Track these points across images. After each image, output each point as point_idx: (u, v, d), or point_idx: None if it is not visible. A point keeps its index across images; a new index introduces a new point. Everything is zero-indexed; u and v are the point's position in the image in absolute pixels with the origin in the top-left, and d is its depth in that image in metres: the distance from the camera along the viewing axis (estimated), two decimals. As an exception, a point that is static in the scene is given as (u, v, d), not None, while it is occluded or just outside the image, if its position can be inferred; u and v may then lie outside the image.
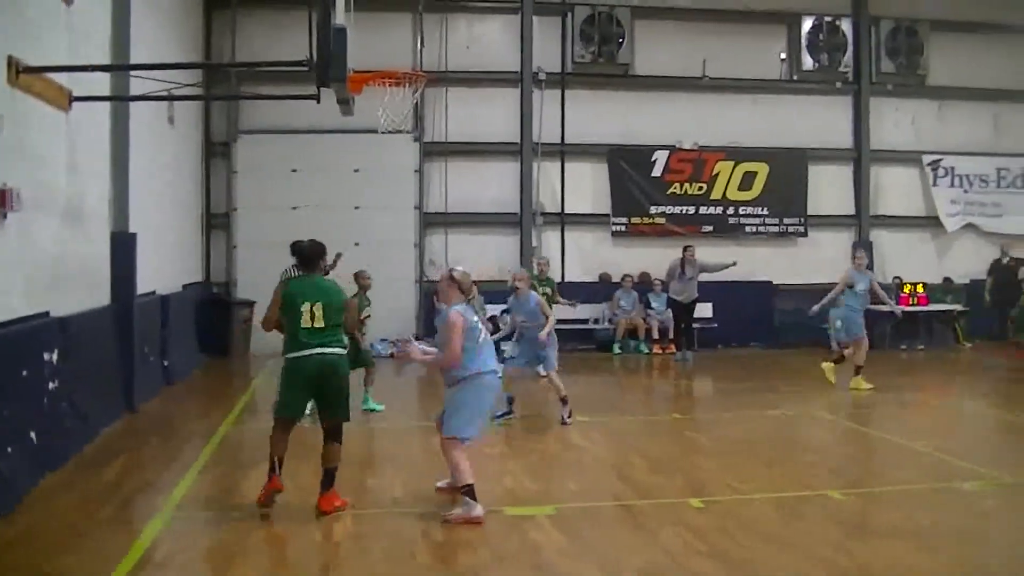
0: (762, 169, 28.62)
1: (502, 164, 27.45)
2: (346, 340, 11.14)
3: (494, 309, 22.12)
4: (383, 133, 15.76)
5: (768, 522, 10.21)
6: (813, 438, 15.60)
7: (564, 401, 15.93)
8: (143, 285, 17.58)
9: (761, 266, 28.32)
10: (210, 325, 24.40)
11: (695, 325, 26.00)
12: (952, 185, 29.98)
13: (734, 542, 9.42)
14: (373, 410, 17.04)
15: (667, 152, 28.15)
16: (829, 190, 29.35)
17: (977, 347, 28.03)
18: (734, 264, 25.30)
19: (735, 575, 8.60)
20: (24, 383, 11.78)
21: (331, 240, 22.13)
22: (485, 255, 26.64)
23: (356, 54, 12.82)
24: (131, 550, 9.03)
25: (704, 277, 25.48)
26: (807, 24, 28.62)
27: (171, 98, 16.56)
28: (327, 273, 12.77)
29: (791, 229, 28.99)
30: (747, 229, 28.66)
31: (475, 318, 10.72)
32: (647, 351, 26.42)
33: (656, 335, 26.68)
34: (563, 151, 27.80)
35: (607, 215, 27.94)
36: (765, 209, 28.71)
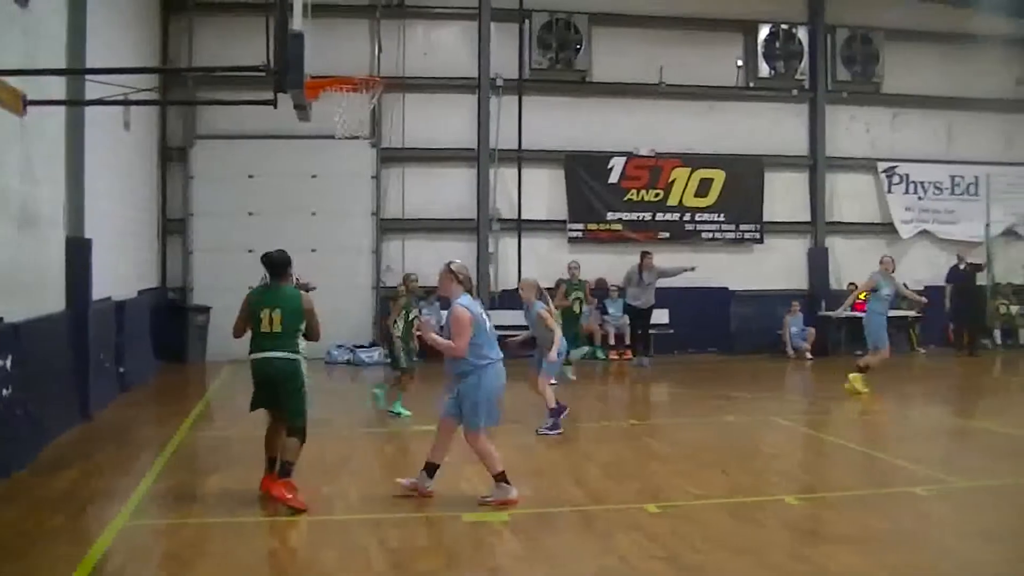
0: (718, 176, 28.73)
1: (459, 170, 27.49)
2: (301, 345, 11.26)
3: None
4: (340, 139, 15.77)
5: (723, 527, 10.24)
6: (768, 444, 15.65)
7: (551, 413, 15.90)
8: (98, 291, 17.47)
9: (717, 272, 28.42)
10: (166, 331, 24.29)
11: (652, 331, 26.09)
12: (907, 192, 30.20)
13: (689, 547, 9.44)
14: (398, 414, 17.12)
15: (624, 159, 28.24)
16: (785, 197, 29.52)
17: (931, 353, 28.24)
18: (693, 269, 25.35)
19: (689, 581, 8.65)
20: (-23, 389, 11.70)
21: (288, 246, 22.16)
22: (442, 261, 26.52)
23: (313, 60, 12.81)
24: (84, 559, 8.96)
25: (661, 283, 25.56)
26: (763, 32, 28.80)
27: (127, 103, 16.44)
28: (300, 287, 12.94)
29: (747, 236, 29.12)
30: (703, 236, 28.76)
31: (480, 310, 11.17)
32: (603, 357, 26.50)
33: (612, 341, 26.77)
34: (520, 157, 27.82)
35: (564, 221, 28.00)
36: (721, 216, 28.83)
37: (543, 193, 28.14)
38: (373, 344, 25.95)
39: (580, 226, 28.04)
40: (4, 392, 12.62)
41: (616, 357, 26.46)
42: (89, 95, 16.17)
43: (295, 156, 25.80)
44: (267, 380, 11.17)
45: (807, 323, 28.17)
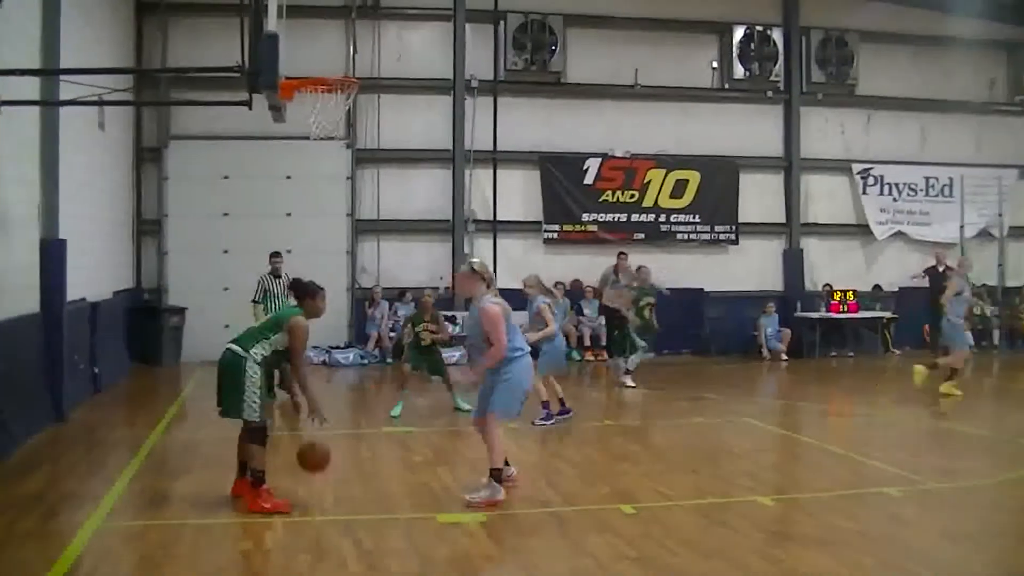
0: (693, 177, 28.81)
1: (434, 171, 27.49)
2: (261, 350, 11.02)
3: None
4: (315, 140, 15.72)
5: (695, 528, 10.25)
6: (741, 445, 15.66)
7: (545, 405, 16.02)
8: (72, 292, 17.42)
9: (692, 273, 28.50)
10: (141, 332, 24.24)
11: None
12: (881, 194, 30.34)
13: (661, 548, 9.45)
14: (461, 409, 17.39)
15: (599, 160, 28.29)
16: (760, 198, 29.61)
17: (905, 354, 28.33)
18: (668, 293, 25.18)
19: (662, 582, 8.67)
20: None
21: (262, 247, 22.19)
22: (417, 262, 26.73)
23: (288, 60, 12.79)
24: (56, 562, 8.93)
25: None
26: (738, 33, 28.85)
27: (101, 103, 16.38)
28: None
29: (722, 237, 29.20)
30: (678, 237, 28.84)
31: (505, 304, 11.24)
32: (579, 358, 26.53)
33: (588, 342, 26.80)
34: (495, 158, 27.84)
35: (539, 223, 28.04)
36: (696, 217, 28.90)
37: (518, 194, 28.16)
38: (349, 345, 25.96)
39: (555, 227, 28.08)
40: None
41: (592, 358, 26.49)
42: (63, 96, 16.12)
43: (270, 157, 25.73)
44: (218, 372, 11.13)
45: (782, 324, 28.25)
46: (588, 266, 26.85)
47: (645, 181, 28.55)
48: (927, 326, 28.63)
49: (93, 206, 20.78)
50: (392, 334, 25.66)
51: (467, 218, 27.28)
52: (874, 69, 29.74)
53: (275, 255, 19.80)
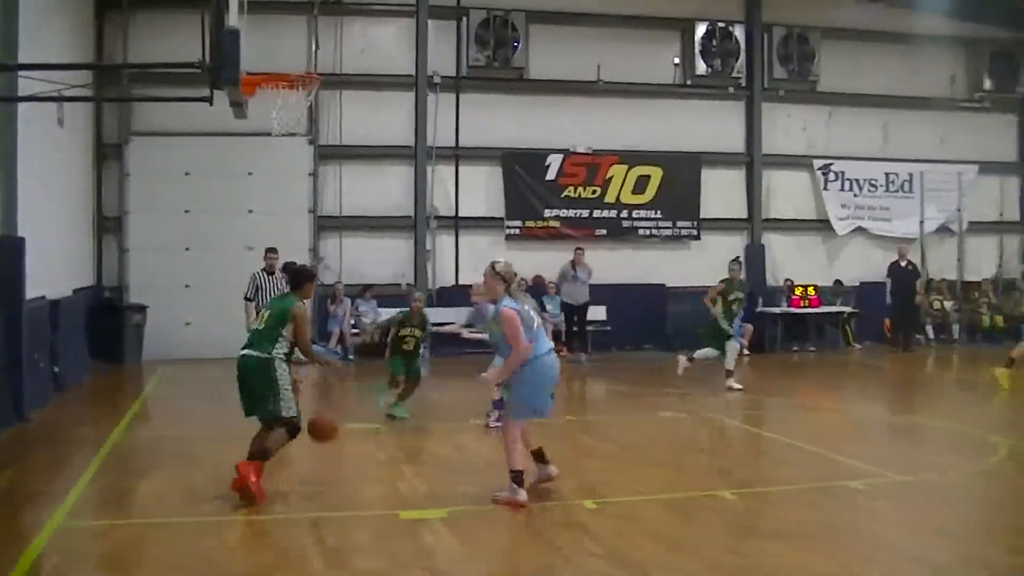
0: (656, 173, 28.84)
1: (397, 167, 27.43)
2: (280, 347, 11.48)
3: (388, 312, 21.88)
4: (277, 136, 15.68)
5: (661, 523, 10.27)
6: (705, 440, 15.73)
7: (496, 405, 15.81)
8: (32, 290, 17.29)
9: (654, 269, 28.58)
10: (102, 331, 24.02)
11: (589, 328, 26.19)
12: (842, 189, 30.48)
13: (627, 543, 9.45)
14: (395, 417, 16.59)
15: (561, 156, 28.29)
16: (722, 194, 29.70)
17: (866, 348, 28.48)
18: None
19: (627, 576, 8.67)
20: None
21: (225, 244, 22.12)
22: (379, 259, 26.66)
23: (250, 56, 12.76)
24: (18, 562, 8.87)
25: (596, 280, 25.70)
26: (700, 30, 28.89)
27: (61, 99, 16.32)
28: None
29: (684, 232, 29.25)
30: (640, 232, 28.86)
31: (526, 307, 11.36)
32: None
33: (550, 338, 26.77)
34: (457, 155, 27.83)
35: (501, 218, 28.02)
36: (658, 212, 28.94)
37: (480, 190, 28.13)
38: (313, 342, 25.82)
39: (517, 223, 28.06)
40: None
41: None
42: (21, 91, 16.02)
43: (232, 153, 25.63)
44: (239, 377, 11.42)
45: (744, 319, 28.25)
46: (550, 262, 26.89)
47: (607, 177, 28.56)
48: (887, 320, 28.86)
49: (53, 203, 20.62)
50: (355, 331, 25.59)
51: (430, 214, 27.22)
52: (835, 66, 29.85)
53: (271, 251, 19.34)
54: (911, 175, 30.85)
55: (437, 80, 27.37)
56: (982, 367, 22.96)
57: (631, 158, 28.75)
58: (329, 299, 26.16)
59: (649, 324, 28.26)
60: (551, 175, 28.26)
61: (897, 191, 30.92)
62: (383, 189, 27.35)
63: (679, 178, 29.07)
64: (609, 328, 27.49)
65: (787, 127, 30.31)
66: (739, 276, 21.54)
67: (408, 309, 17.21)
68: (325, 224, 26.93)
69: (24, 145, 16.84)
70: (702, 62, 28.90)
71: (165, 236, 25.45)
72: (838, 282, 29.80)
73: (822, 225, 30.52)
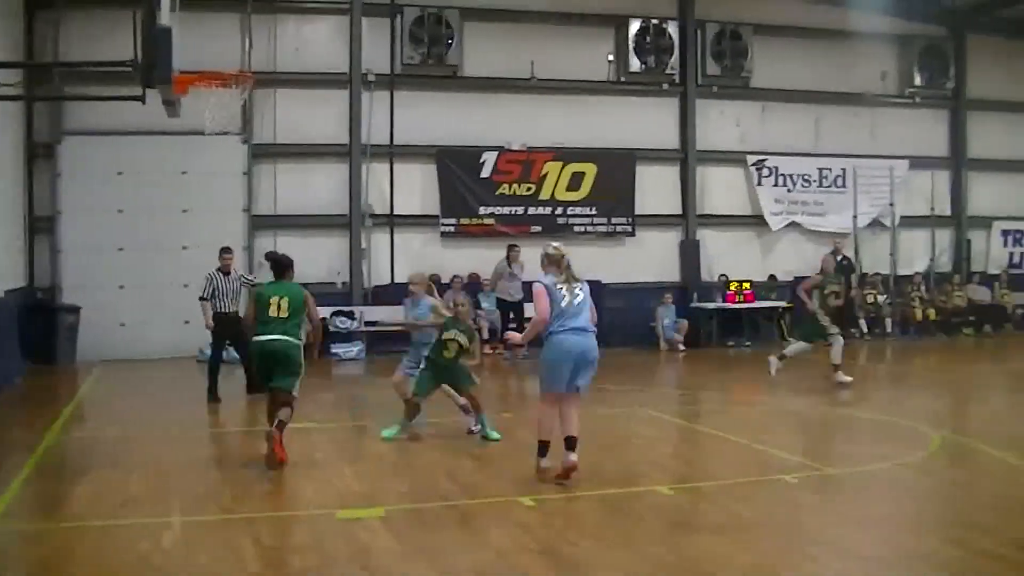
0: (590, 170, 28.91)
1: (331, 166, 27.38)
2: (302, 333, 13.14)
3: (324, 311, 21.82)
4: (210, 135, 15.64)
5: (597, 519, 10.32)
6: (641, 435, 15.76)
7: (465, 410, 15.43)
8: (-38, 291, 17.15)
9: (590, 266, 28.39)
10: (34, 332, 23.78)
11: (526, 325, 26.19)
12: (776, 185, 30.68)
13: (564, 540, 9.49)
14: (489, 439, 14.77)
15: (496, 153, 28.31)
16: (657, 190, 29.81)
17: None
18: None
19: (564, 572, 8.66)
20: None
21: (159, 244, 21.99)
22: (314, 257, 26.53)
23: (182, 55, 12.72)
24: (-49, 566, 8.84)
25: (531, 277, 25.75)
26: (634, 26, 29.00)
27: (-10, 99, 16.22)
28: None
29: (619, 229, 29.35)
30: (576, 229, 28.89)
31: (560, 285, 11.90)
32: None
33: (486, 335, 26.77)
34: (392, 153, 27.78)
35: (436, 216, 27.99)
36: (593, 209, 29.01)
37: (415, 188, 28.10)
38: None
39: (452, 221, 28.04)
40: None
41: (490, 351, 26.45)
42: (-51, 91, 15.88)
43: (165, 152, 25.44)
44: (270, 357, 12.89)
45: (679, 315, 28.46)
46: (486, 259, 26.91)
47: (542, 174, 28.61)
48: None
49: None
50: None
51: (365, 212, 27.17)
52: (768, 62, 30.07)
53: (226, 251, 19.39)
54: (844, 170, 31.13)
55: (371, 78, 27.33)
56: (915, 360, 23.22)
57: (566, 155, 28.82)
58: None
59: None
60: (486, 172, 28.26)
61: (830, 186, 31.16)
62: (318, 187, 27.27)
63: (614, 175, 29.15)
64: (546, 325, 27.47)
65: (721, 123, 30.47)
66: (832, 267, 21.58)
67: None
68: (260, 223, 26.79)
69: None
70: (636, 59, 29.02)
71: (99, 236, 25.25)
72: (772, 277, 29.98)
73: (756, 220, 30.71)
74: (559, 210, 28.80)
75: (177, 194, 25.85)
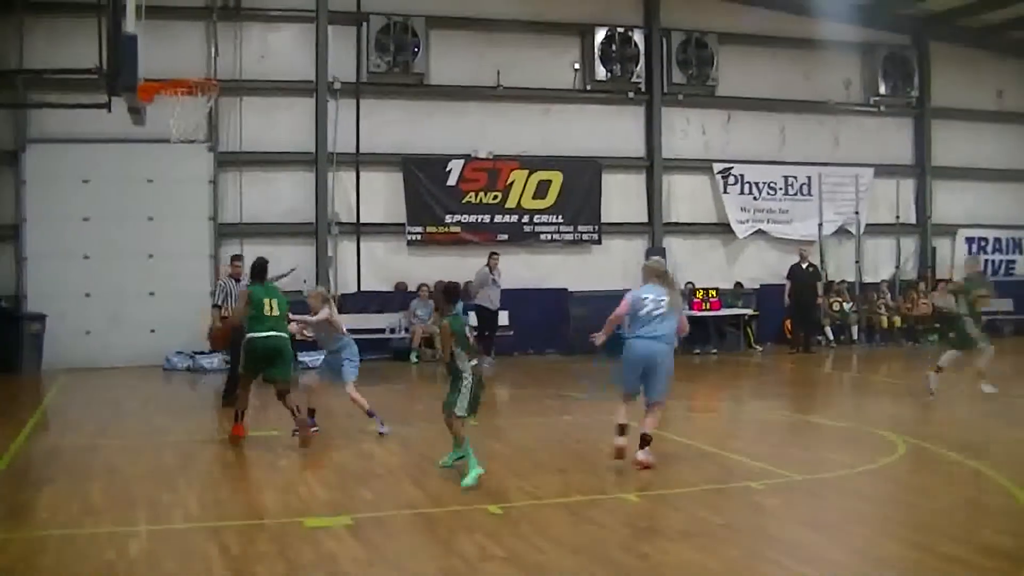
0: (556, 178, 28.97)
1: (297, 174, 27.38)
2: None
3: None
4: (175, 142, 15.60)
5: (563, 526, 10.31)
6: (607, 442, 15.75)
7: (370, 414, 15.65)
8: (-76, 301, 17.05)
9: (556, 273, 28.72)
10: (-1, 340, 23.77)
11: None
12: (741, 193, 30.79)
13: (530, 547, 9.48)
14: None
15: (462, 161, 28.33)
16: (622, 198, 29.92)
17: (767, 350, 28.78)
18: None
19: (530, 580, 8.70)
20: None
21: (124, 252, 21.86)
22: (280, 265, 26.45)
23: (148, 62, 12.71)
24: (-87, 575, 8.78)
25: (505, 284, 25.90)
26: (600, 35, 29.09)
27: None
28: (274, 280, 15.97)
29: (585, 237, 29.40)
30: (542, 237, 28.97)
31: (645, 296, 13.34)
32: (416, 360, 26.44)
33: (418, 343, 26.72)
34: (358, 161, 27.74)
35: (402, 224, 27.96)
36: (559, 217, 29.07)
37: (381, 196, 28.08)
38: (213, 350, 25.64)
39: (419, 229, 28.02)
40: None
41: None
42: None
43: (130, 160, 25.33)
44: (271, 351, 14.48)
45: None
46: (452, 267, 26.73)
47: (508, 182, 28.64)
48: (788, 321, 29.17)
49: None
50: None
51: (331, 220, 27.15)
52: (733, 70, 30.22)
53: (236, 258, 19.49)
54: (809, 178, 31.29)
55: (337, 86, 27.32)
56: (880, 367, 23.28)
57: (532, 163, 28.85)
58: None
59: (551, 328, 28.32)
60: (452, 181, 28.27)
61: (796, 194, 31.30)
62: (284, 195, 27.25)
63: (580, 183, 29.23)
64: (512, 332, 27.52)
65: (686, 131, 30.60)
66: (977, 269, 21.35)
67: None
68: (225, 231, 26.71)
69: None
70: (602, 67, 29.12)
71: (64, 244, 25.15)
72: (739, 284, 30.07)
73: (722, 228, 30.81)
74: (525, 218, 28.83)
75: (143, 202, 25.75)
